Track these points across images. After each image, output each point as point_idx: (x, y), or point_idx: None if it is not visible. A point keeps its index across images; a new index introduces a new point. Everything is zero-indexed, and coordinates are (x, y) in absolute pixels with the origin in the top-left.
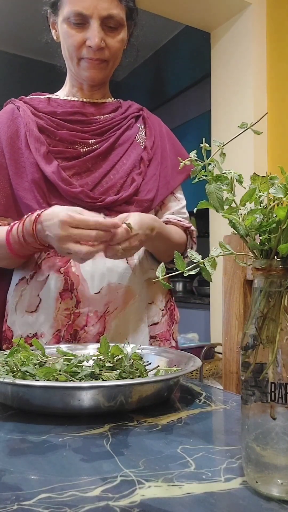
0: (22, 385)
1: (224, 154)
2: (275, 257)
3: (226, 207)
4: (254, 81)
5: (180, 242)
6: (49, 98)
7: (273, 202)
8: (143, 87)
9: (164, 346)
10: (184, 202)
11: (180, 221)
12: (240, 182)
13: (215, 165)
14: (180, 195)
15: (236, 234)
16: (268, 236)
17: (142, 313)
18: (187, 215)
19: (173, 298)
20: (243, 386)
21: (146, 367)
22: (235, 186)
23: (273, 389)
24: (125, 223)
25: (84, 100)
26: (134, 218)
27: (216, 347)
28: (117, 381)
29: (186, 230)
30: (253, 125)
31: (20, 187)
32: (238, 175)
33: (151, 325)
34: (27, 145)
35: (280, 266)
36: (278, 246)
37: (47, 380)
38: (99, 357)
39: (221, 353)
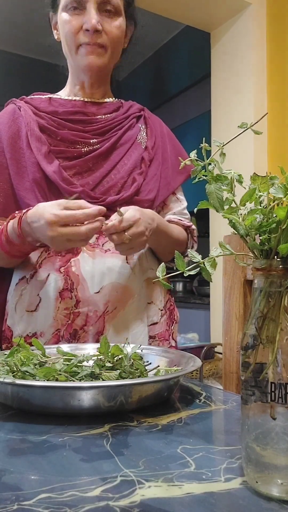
0: (22, 385)
1: (224, 154)
2: (275, 257)
3: (226, 207)
4: (254, 81)
5: (180, 238)
6: (50, 97)
7: (273, 202)
8: (143, 87)
9: (163, 346)
10: (185, 203)
11: (181, 220)
12: (240, 182)
13: (215, 165)
14: (181, 196)
15: (236, 234)
16: (268, 236)
17: (141, 313)
18: (188, 215)
19: (172, 298)
20: (243, 386)
21: (146, 367)
22: (235, 186)
23: (273, 389)
24: (118, 210)
25: (86, 99)
26: (132, 208)
27: (216, 347)
28: (117, 381)
29: (187, 229)
30: (253, 125)
31: (21, 187)
32: (238, 175)
33: (150, 325)
34: (28, 144)
35: (280, 266)
36: (278, 246)
37: (47, 380)
38: (99, 357)
39: (221, 353)
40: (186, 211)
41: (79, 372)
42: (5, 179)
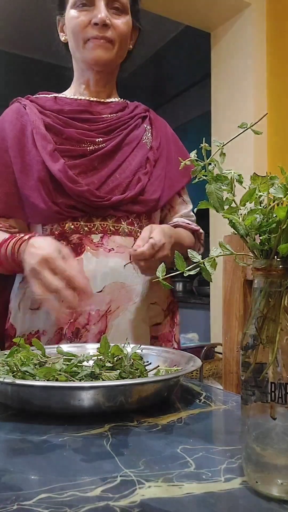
0: (22, 385)
1: (224, 154)
2: (275, 257)
3: (226, 207)
4: (254, 81)
5: (190, 246)
6: (55, 97)
7: (273, 202)
8: (143, 87)
9: (166, 346)
10: (191, 206)
11: (189, 224)
12: (240, 182)
13: (215, 165)
14: (187, 198)
15: (236, 234)
16: (268, 236)
17: (144, 313)
18: (194, 218)
19: (175, 299)
20: (243, 386)
21: (146, 367)
22: (235, 186)
23: (273, 389)
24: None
25: (91, 99)
26: (157, 231)
27: (216, 347)
28: (117, 381)
29: (194, 233)
30: (253, 125)
31: (26, 186)
32: (238, 175)
33: (154, 325)
34: (34, 143)
35: (280, 266)
36: (278, 246)
37: (47, 380)
38: (99, 357)
39: (221, 353)
40: (192, 213)
41: (79, 372)
42: (8, 178)
